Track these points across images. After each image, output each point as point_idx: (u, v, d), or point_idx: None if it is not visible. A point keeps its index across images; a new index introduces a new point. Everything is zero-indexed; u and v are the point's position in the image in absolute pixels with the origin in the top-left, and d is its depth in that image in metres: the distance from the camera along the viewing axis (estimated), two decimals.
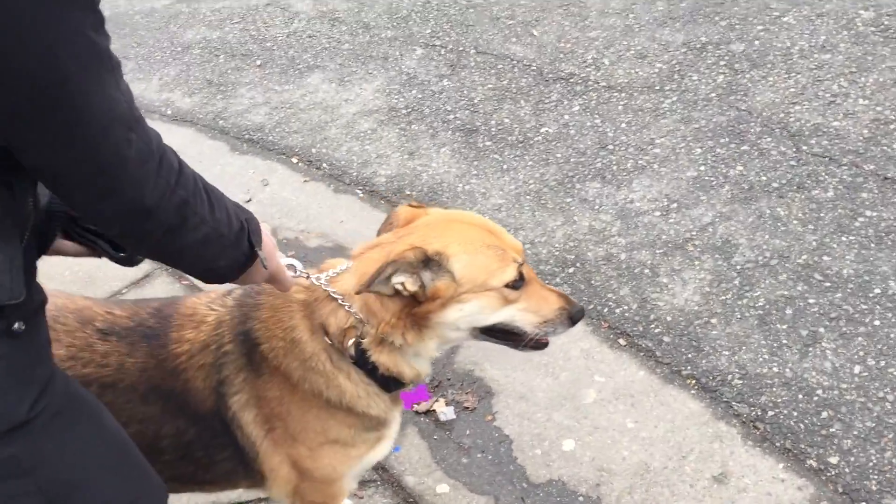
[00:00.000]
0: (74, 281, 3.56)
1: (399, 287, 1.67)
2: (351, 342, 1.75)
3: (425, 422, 2.88)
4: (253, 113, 4.82)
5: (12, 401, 1.22)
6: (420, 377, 1.88)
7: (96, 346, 1.79)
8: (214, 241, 1.38)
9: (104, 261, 1.64)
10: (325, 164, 4.32)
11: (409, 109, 4.57)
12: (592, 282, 3.31)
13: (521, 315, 1.80)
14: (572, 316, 1.83)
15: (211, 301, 1.91)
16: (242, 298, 1.88)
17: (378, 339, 1.74)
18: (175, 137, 4.72)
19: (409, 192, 4.00)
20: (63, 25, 1.02)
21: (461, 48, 4.99)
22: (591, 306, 3.21)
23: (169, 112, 4.98)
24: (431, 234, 1.74)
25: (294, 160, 4.40)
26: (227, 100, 5.00)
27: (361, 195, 4.07)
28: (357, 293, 1.69)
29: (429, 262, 1.68)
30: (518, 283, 1.76)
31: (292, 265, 1.73)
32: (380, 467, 2.74)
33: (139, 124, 1.19)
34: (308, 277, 1.74)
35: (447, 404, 2.94)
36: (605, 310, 3.19)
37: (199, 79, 5.25)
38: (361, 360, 1.77)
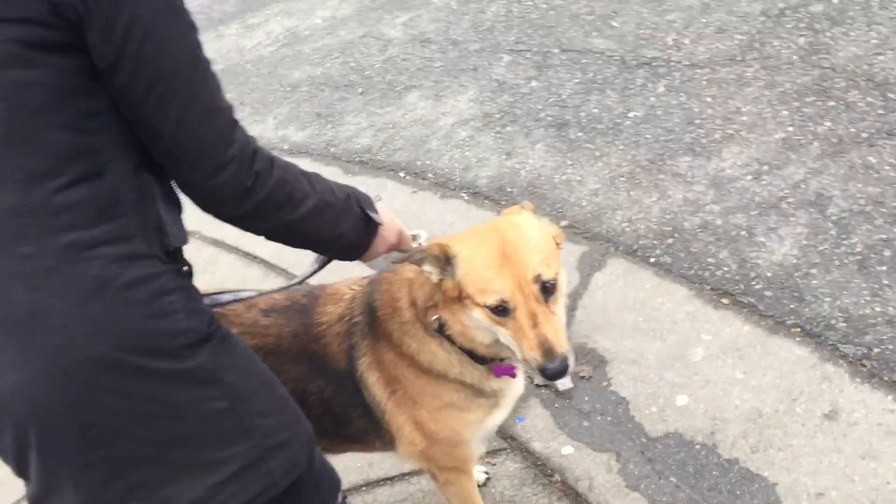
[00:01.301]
0: None
1: (429, 275, 1.88)
2: (435, 317, 1.96)
3: (546, 393, 3.13)
4: (360, 137, 5.23)
5: (195, 318, 1.52)
6: (498, 355, 1.99)
7: (260, 321, 2.14)
8: (325, 209, 1.68)
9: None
10: (430, 174, 4.66)
11: (503, 113, 4.85)
12: (691, 249, 3.48)
13: (510, 341, 1.84)
14: (543, 370, 1.77)
15: (352, 283, 2.23)
16: (373, 278, 2.19)
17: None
18: None
19: (510, 190, 4.28)
20: (187, 40, 1.46)
21: (545, 49, 5.24)
22: (692, 272, 3.38)
23: (286, 147, 5.46)
24: (468, 238, 1.90)
25: (402, 174, 4.76)
26: (335, 128, 5.43)
27: (466, 198, 4.38)
28: (392, 262, 1.94)
29: (448, 260, 1.86)
30: (501, 313, 1.81)
31: (418, 234, 2.02)
32: (508, 436, 3.00)
33: (238, 123, 1.53)
34: (417, 242, 2.00)
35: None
36: (707, 273, 3.35)
37: (309, 113, 5.73)
38: (442, 333, 1.97)
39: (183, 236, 1.55)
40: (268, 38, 6.94)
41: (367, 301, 2.13)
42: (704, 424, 2.82)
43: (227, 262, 4.44)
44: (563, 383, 3.14)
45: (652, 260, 3.53)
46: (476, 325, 1.88)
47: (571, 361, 1.80)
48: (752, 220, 3.49)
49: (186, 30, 1.46)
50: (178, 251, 1.57)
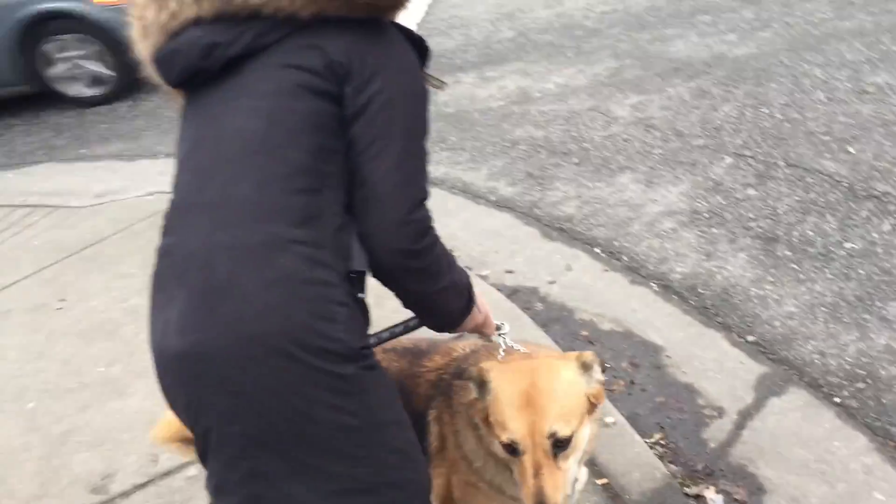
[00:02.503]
0: None
1: (471, 393, 2.05)
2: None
3: None
4: (565, 205, 5.38)
5: (352, 335, 1.69)
6: None
7: (382, 358, 2.32)
8: (452, 289, 1.89)
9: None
10: (624, 257, 4.70)
11: (711, 214, 4.82)
12: (883, 400, 3.30)
13: (516, 474, 1.95)
14: None
15: (466, 344, 2.42)
16: (479, 347, 2.36)
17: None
18: (495, 220, 5.41)
19: (701, 291, 4.24)
20: (418, 121, 1.77)
21: (771, 160, 5.15)
22: (879, 423, 3.21)
23: (493, 198, 5.71)
24: (506, 370, 2.02)
25: (597, 250, 4.84)
26: (543, 191, 5.61)
27: (656, 289, 4.39)
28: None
29: (483, 384, 2.01)
30: (512, 452, 1.92)
31: (501, 325, 2.21)
32: None
33: (427, 193, 1.76)
34: (497, 337, 2.16)
35: (717, 492, 3.12)
36: (894, 430, 3.17)
37: (522, 171, 5.95)
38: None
39: (363, 264, 1.74)
40: (500, 92, 7.28)
41: (459, 366, 2.30)
42: None
43: None
44: (714, 500, 3.07)
45: (837, 399, 3.38)
46: (495, 450, 2.01)
47: None
48: None
49: (420, 111, 1.77)
50: (359, 280, 1.75)
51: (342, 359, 1.65)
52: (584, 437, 1.98)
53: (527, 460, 1.89)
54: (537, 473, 1.87)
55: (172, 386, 1.75)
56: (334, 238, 1.69)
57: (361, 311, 1.79)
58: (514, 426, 1.89)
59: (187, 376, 1.68)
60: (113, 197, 6.79)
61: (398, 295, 1.86)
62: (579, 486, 2.33)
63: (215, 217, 1.67)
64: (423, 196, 1.74)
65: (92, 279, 5.34)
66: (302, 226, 1.65)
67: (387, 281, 1.81)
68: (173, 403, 1.79)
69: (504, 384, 1.96)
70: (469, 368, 2.07)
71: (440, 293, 1.87)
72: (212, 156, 1.73)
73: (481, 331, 2.17)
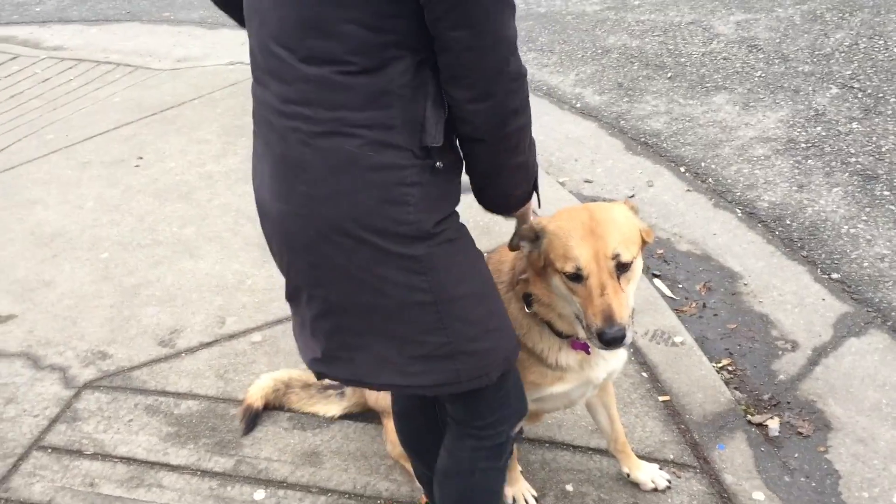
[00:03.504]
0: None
1: (525, 249, 2.08)
2: (523, 276, 2.16)
3: (755, 433, 3.01)
4: (653, 119, 5.16)
5: (423, 216, 1.69)
6: (574, 333, 2.15)
7: None
8: (524, 170, 1.83)
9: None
10: (710, 179, 4.52)
11: (809, 145, 4.58)
12: None
13: (578, 309, 2.00)
14: (600, 333, 1.91)
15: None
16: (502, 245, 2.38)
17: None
18: (578, 128, 5.23)
19: (789, 222, 4.06)
20: None
21: (881, 94, 4.83)
22: None
23: (578, 105, 5.51)
24: (560, 215, 2.07)
25: (682, 169, 4.66)
26: (632, 103, 5.39)
27: (740, 214, 4.21)
28: (509, 248, 2.14)
29: (537, 235, 2.04)
30: (576, 279, 1.96)
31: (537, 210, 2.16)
32: (702, 458, 2.93)
33: (517, 53, 1.62)
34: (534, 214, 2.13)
35: (781, 423, 3.04)
36: None
37: (612, 81, 5.72)
38: (527, 301, 2.16)
39: (439, 137, 1.67)
40: None
41: (488, 257, 2.35)
42: None
43: None
44: (776, 430, 3.00)
45: None
46: (555, 291, 2.05)
47: (630, 335, 1.94)
48: None
49: None
50: (437, 149, 1.70)
51: (412, 240, 1.69)
52: (639, 267, 2.06)
53: (593, 282, 1.95)
54: (603, 293, 1.94)
55: (270, 234, 1.86)
56: (405, 114, 1.63)
57: (443, 181, 1.76)
58: (578, 252, 1.95)
59: (280, 236, 1.80)
60: (194, 63, 6.77)
61: (470, 161, 1.82)
62: (619, 364, 2.40)
63: (284, 93, 1.66)
64: (511, 52, 1.62)
65: (170, 141, 5.37)
66: (365, 107, 1.61)
67: (470, 139, 1.75)
68: (270, 246, 1.90)
69: (562, 223, 2.02)
70: (519, 230, 2.08)
71: (514, 169, 1.82)
72: (271, 33, 1.66)
73: (522, 214, 2.10)
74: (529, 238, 2.09)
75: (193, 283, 3.93)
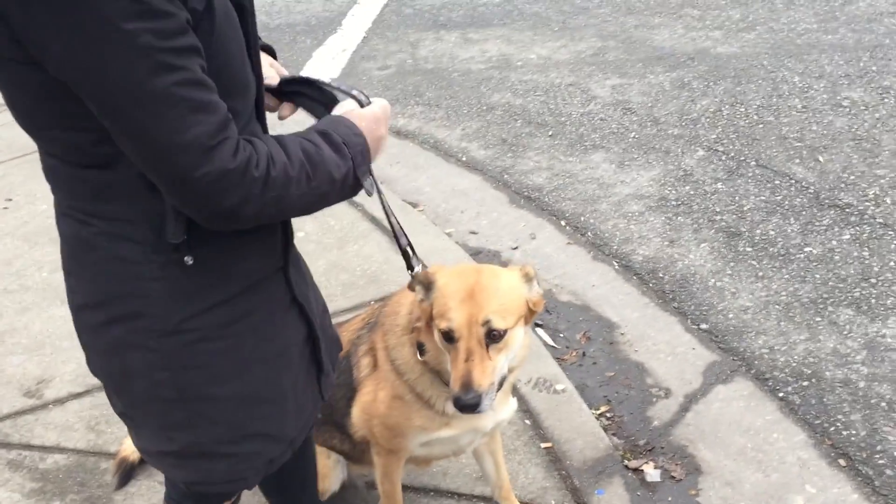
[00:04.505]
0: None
1: (419, 295, 2.12)
2: (416, 324, 2.22)
3: (632, 477, 3.12)
4: (535, 175, 5.36)
5: (169, 313, 1.61)
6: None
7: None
8: (318, 199, 1.58)
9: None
10: (589, 233, 4.72)
11: (679, 202, 4.86)
12: (825, 400, 3.38)
13: (448, 365, 2.09)
14: (455, 399, 1.99)
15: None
16: (397, 292, 2.52)
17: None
18: (464, 181, 5.37)
19: (661, 275, 4.28)
20: (131, 76, 1.29)
21: (742, 158, 5.20)
22: (818, 421, 3.29)
23: (464, 159, 5.65)
24: (452, 271, 2.13)
25: (562, 223, 4.84)
26: (515, 158, 5.58)
27: (617, 267, 4.41)
28: (408, 287, 2.17)
29: (429, 285, 2.09)
30: (449, 339, 2.03)
31: (415, 257, 2.08)
32: (582, 503, 3.01)
33: (215, 150, 1.37)
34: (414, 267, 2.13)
35: (655, 468, 3.17)
36: (832, 429, 3.25)
37: (496, 136, 5.90)
38: (420, 348, 2.21)
39: (179, 233, 1.52)
40: (482, 55, 7.19)
41: (382, 307, 2.47)
42: None
43: None
44: (652, 475, 3.12)
45: (780, 394, 3.46)
46: (438, 344, 2.10)
47: (487, 403, 1.98)
48: None
49: (127, 64, 1.28)
50: (186, 244, 1.55)
51: (156, 334, 1.63)
52: (517, 337, 2.09)
53: (461, 346, 1.99)
54: (468, 358, 1.98)
55: None
56: (140, 207, 1.53)
57: (198, 276, 1.60)
58: (453, 315, 1.99)
59: None
60: None
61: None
62: (507, 414, 2.45)
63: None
64: (198, 155, 1.36)
65: (41, 182, 5.13)
66: (97, 199, 1.55)
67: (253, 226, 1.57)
68: None
69: (450, 281, 2.07)
70: (416, 273, 2.10)
71: (320, 197, 1.59)
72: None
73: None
74: (424, 284, 2.11)
75: (64, 331, 3.74)
